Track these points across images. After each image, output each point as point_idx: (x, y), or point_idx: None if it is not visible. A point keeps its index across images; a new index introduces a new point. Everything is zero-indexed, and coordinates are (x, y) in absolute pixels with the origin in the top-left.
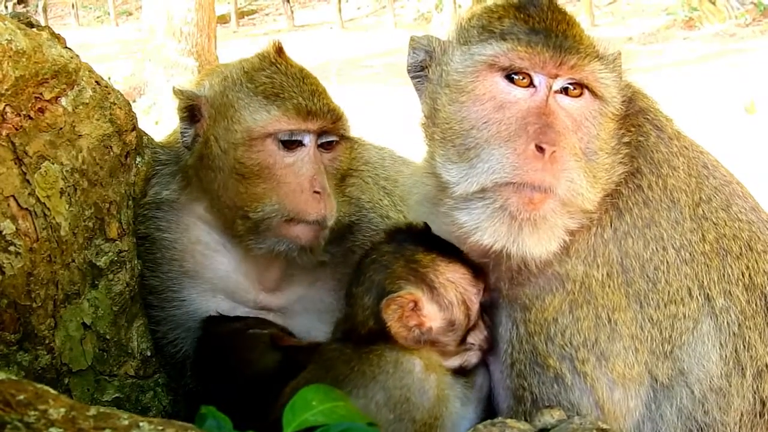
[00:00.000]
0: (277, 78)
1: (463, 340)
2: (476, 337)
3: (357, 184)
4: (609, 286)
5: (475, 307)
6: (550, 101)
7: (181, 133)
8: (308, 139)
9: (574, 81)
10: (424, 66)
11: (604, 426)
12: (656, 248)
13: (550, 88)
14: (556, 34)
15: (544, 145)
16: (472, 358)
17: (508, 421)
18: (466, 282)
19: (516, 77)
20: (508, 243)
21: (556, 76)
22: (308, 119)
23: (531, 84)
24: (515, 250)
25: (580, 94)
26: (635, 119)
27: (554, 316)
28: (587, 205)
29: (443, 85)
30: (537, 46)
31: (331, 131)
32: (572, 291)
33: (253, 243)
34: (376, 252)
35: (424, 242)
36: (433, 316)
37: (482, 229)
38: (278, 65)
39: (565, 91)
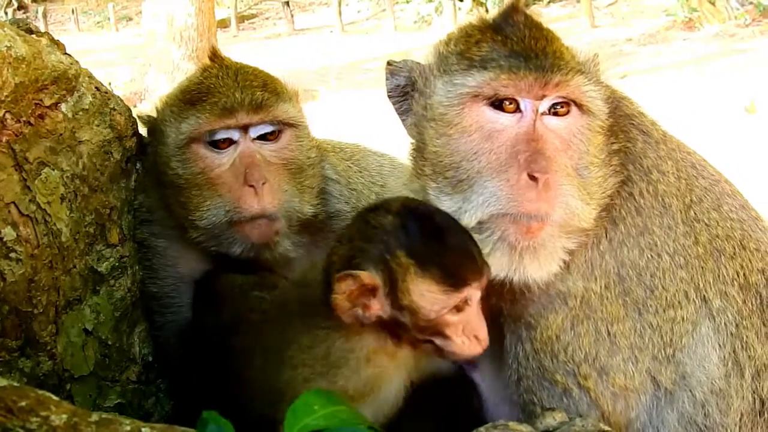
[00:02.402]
0: (206, 82)
1: (428, 341)
2: (448, 344)
3: (341, 191)
4: (607, 298)
5: (439, 319)
6: (537, 125)
7: (149, 153)
8: (237, 135)
9: (561, 99)
10: (406, 92)
11: (606, 428)
12: (651, 255)
13: (536, 111)
14: (537, 54)
15: (536, 174)
16: (448, 356)
17: (510, 423)
18: (430, 299)
19: (502, 103)
20: (510, 272)
21: (542, 97)
22: (227, 115)
23: (517, 109)
24: (517, 278)
25: (567, 112)
26: (622, 125)
27: (557, 334)
28: (584, 224)
29: (428, 118)
30: (519, 71)
31: (258, 123)
32: (574, 307)
33: (214, 248)
34: (374, 218)
35: (414, 242)
36: (382, 309)
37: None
38: (210, 69)
39: (550, 111)
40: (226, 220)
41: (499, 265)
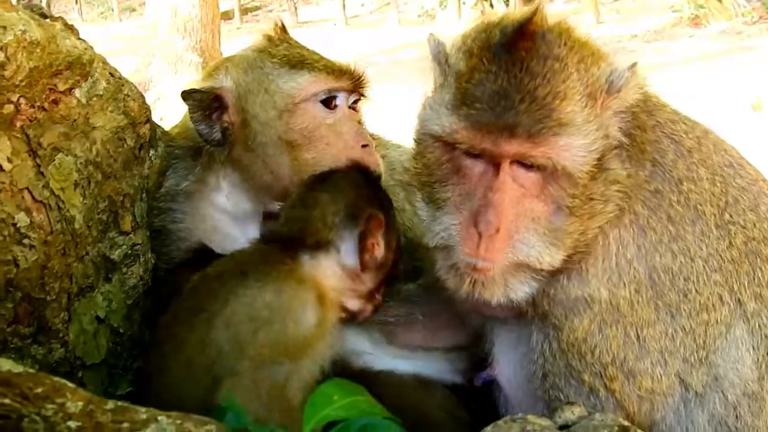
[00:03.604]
0: (293, 50)
1: (373, 292)
2: (378, 297)
3: None
4: (638, 303)
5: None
6: (501, 176)
7: (204, 134)
8: (341, 98)
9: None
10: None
11: (626, 423)
12: (684, 260)
13: (501, 163)
14: (521, 100)
15: (480, 230)
16: (366, 312)
17: (529, 417)
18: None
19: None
20: (468, 293)
21: (503, 157)
22: (340, 76)
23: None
24: (477, 298)
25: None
26: (652, 137)
27: (584, 336)
28: (545, 266)
29: (420, 132)
30: (481, 130)
31: (358, 89)
32: (600, 312)
33: None
34: (348, 172)
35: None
36: (380, 249)
37: (445, 279)
38: (288, 41)
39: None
40: None
41: (456, 286)
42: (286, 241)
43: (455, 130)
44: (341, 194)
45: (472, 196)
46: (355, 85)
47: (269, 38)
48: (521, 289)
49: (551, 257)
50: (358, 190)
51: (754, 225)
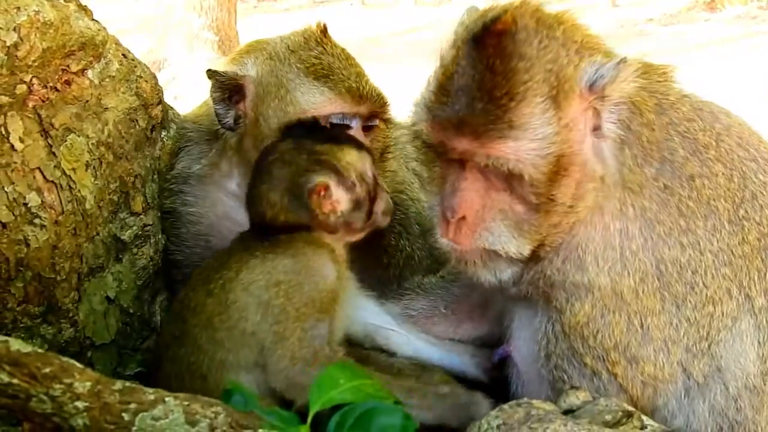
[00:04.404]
0: (325, 59)
1: (369, 214)
2: (380, 206)
3: (392, 165)
4: (643, 292)
5: (372, 180)
6: (468, 167)
7: (219, 114)
8: (355, 123)
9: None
10: None
11: (630, 408)
12: (693, 253)
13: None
14: (472, 100)
15: (447, 216)
16: (381, 221)
17: (534, 401)
18: (359, 161)
19: None
20: (460, 269)
21: (456, 154)
22: (360, 102)
23: None
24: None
25: None
26: (662, 133)
27: (586, 321)
28: (513, 255)
29: (410, 118)
30: (438, 125)
31: (377, 115)
32: (601, 298)
33: None
34: (275, 151)
35: (317, 134)
36: (342, 200)
37: (445, 254)
38: (324, 46)
39: None
40: None
41: (452, 262)
42: (268, 229)
43: (420, 121)
44: (276, 180)
45: (445, 182)
46: (376, 111)
47: (306, 38)
48: (505, 272)
49: (517, 248)
50: (291, 165)
51: None
